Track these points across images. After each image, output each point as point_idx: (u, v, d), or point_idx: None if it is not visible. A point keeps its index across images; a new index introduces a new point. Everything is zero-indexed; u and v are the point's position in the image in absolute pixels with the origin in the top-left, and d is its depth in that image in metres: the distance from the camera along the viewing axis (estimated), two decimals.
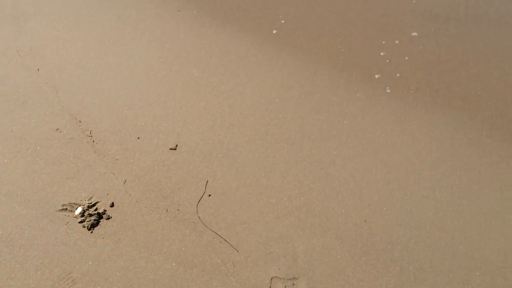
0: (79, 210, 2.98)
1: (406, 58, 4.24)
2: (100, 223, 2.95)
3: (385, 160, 3.31)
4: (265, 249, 2.82)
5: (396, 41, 4.46)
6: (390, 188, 3.13)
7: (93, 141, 3.44)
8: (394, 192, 3.11)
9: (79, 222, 2.95)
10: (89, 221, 2.94)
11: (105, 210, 3.01)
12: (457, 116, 3.64)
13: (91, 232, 2.91)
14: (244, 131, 3.53)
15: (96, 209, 3.01)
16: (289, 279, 2.69)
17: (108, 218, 2.97)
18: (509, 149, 3.37)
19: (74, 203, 3.04)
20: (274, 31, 4.60)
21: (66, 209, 3.01)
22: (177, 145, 3.40)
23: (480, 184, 3.15)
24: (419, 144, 3.41)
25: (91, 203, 3.04)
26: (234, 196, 3.10)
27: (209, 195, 3.10)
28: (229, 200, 3.07)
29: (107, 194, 3.11)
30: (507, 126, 3.54)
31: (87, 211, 2.99)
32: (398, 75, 4.05)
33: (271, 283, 2.67)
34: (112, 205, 3.04)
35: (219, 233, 2.89)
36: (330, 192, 3.12)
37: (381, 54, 4.31)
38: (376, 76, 4.05)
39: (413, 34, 4.56)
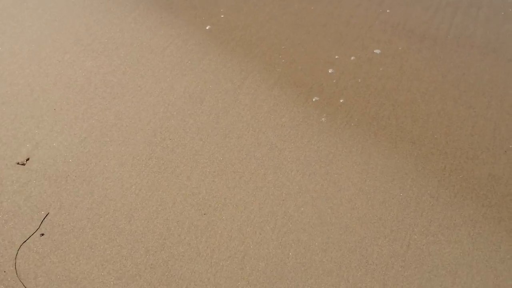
0: None
1: (359, 80, 3.43)
2: None
3: (289, 214, 2.52)
4: None
5: (352, 57, 3.65)
6: (283, 255, 2.35)
7: None
8: (287, 261, 2.32)
9: None
10: None
11: None
12: (400, 163, 2.84)
13: None
14: (122, 150, 2.74)
15: None
16: None
17: None
18: (452, 217, 2.57)
19: None
20: (208, 27, 3.78)
21: None
22: (27, 159, 2.62)
23: (404, 263, 2.36)
24: (341, 197, 2.62)
25: None
26: (74, 240, 2.32)
27: (42, 235, 2.33)
28: (65, 245, 2.29)
29: None
30: (459, 186, 2.74)
31: None
32: (341, 100, 3.24)
33: None
34: None
35: None
36: (204, 250, 2.33)
37: (330, 71, 3.50)
38: (314, 99, 3.24)
39: (375, 51, 3.74)
